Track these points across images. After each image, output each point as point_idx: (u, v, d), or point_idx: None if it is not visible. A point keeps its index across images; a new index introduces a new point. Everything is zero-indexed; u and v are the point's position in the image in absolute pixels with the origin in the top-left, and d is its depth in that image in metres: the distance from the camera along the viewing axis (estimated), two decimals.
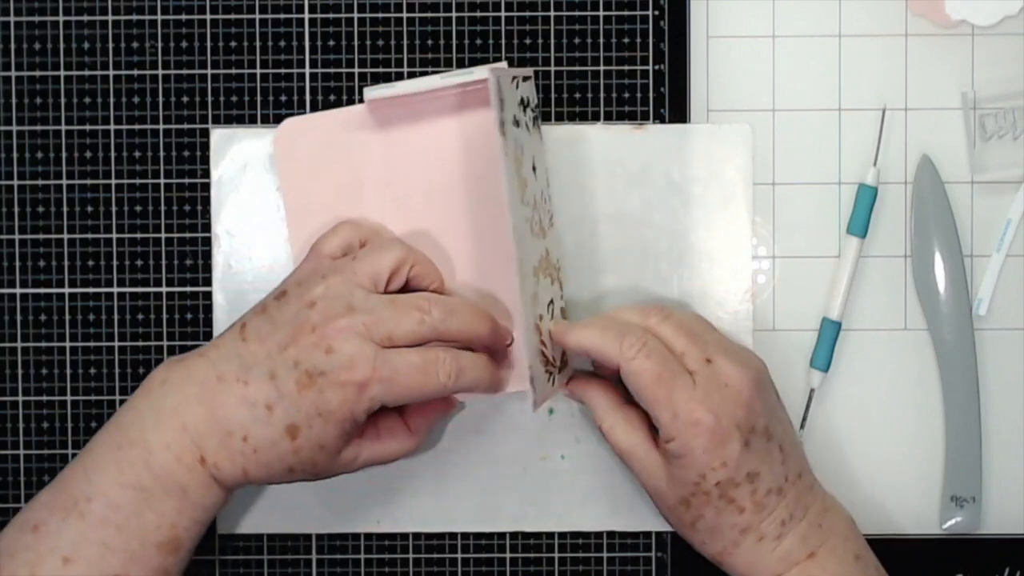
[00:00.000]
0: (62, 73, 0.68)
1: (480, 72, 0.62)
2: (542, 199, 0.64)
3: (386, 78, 0.68)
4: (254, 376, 0.57)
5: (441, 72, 0.66)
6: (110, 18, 0.68)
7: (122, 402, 0.67)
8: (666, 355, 0.58)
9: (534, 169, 0.63)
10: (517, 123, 0.61)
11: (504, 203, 0.58)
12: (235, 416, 0.57)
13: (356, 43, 0.68)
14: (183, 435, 0.58)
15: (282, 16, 0.68)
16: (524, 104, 0.62)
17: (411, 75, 0.68)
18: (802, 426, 0.68)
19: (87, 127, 0.68)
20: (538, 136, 0.65)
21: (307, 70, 0.68)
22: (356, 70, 0.68)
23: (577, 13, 0.68)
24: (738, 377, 0.58)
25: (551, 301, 0.63)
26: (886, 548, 0.65)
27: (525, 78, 0.63)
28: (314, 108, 0.68)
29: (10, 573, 0.57)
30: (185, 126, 0.68)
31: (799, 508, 0.59)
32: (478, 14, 0.68)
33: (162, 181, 0.68)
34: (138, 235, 0.68)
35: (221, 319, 0.67)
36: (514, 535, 0.68)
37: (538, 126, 0.65)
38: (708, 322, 0.63)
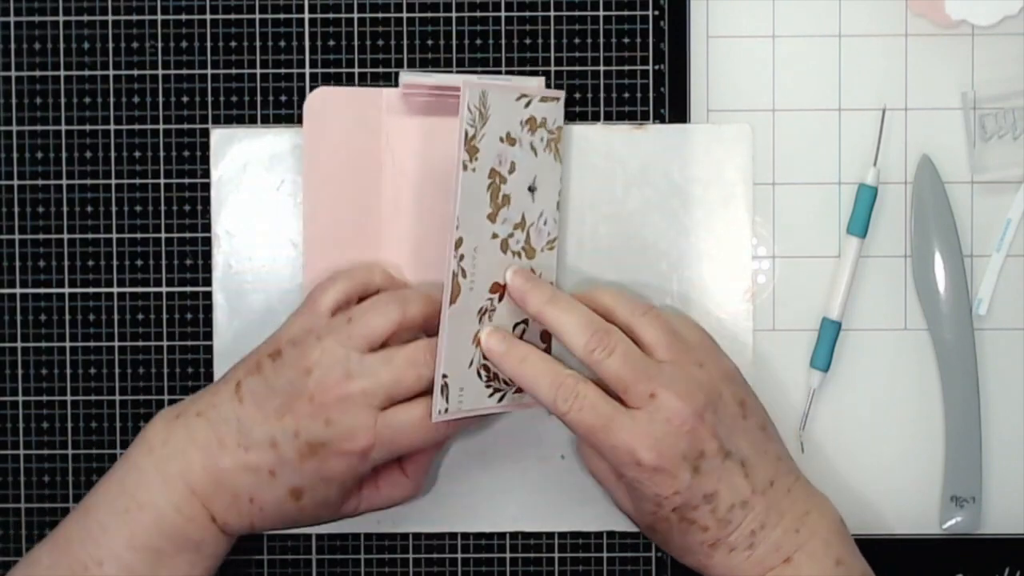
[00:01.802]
0: (62, 73, 0.68)
1: (509, 80, 0.62)
2: (540, 220, 0.64)
3: (386, 78, 0.68)
4: (254, 442, 0.59)
5: (482, 72, 0.67)
6: (110, 18, 0.68)
7: (123, 402, 0.68)
8: (598, 402, 0.58)
9: (532, 190, 0.63)
10: (512, 140, 0.61)
11: (451, 212, 0.58)
12: (239, 481, 0.59)
13: (356, 43, 0.68)
14: (193, 498, 0.59)
15: (282, 16, 0.68)
16: (534, 124, 0.62)
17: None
18: (802, 426, 0.68)
19: (87, 127, 0.68)
20: (551, 158, 0.64)
21: (307, 70, 0.68)
22: (356, 70, 0.68)
23: (577, 13, 0.68)
24: (680, 411, 0.57)
25: (522, 322, 0.63)
26: (886, 548, 0.65)
27: (545, 99, 0.63)
28: None
29: None
30: (185, 126, 0.68)
31: (772, 516, 0.59)
32: (478, 14, 0.68)
33: (162, 181, 0.68)
34: (138, 235, 0.68)
35: (221, 319, 0.67)
36: (514, 535, 0.68)
37: (554, 149, 0.65)
38: (692, 324, 0.63)
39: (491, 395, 0.62)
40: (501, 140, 0.60)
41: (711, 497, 0.58)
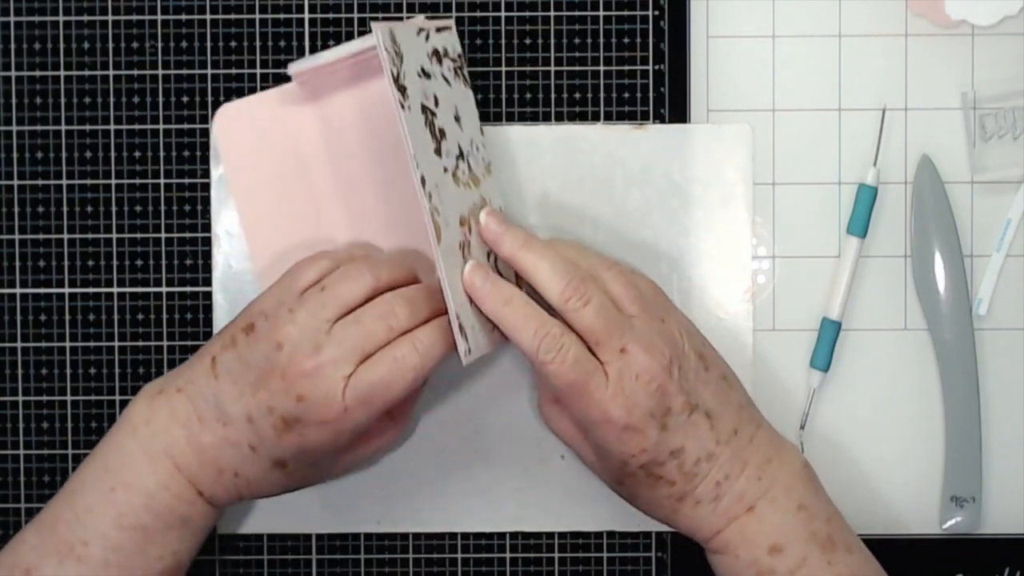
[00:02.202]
0: (62, 73, 0.68)
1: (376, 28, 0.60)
2: (472, 147, 0.63)
3: None
4: (232, 418, 0.58)
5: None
6: (110, 18, 0.68)
7: (123, 403, 0.68)
8: (580, 357, 0.57)
9: (457, 119, 0.62)
10: (427, 75, 0.60)
11: (407, 155, 0.57)
12: (222, 456, 0.58)
13: None
14: (179, 475, 0.58)
15: (282, 16, 0.68)
16: (439, 55, 0.62)
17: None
18: (802, 426, 0.68)
19: (87, 127, 0.68)
20: (461, 85, 0.63)
21: None
22: None
23: (577, 13, 0.68)
24: (649, 367, 0.57)
25: (491, 252, 0.62)
26: (886, 548, 0.65)
27: (439, 29, 0.62)
28: None
29: None
30: (185, 126, 0.68)
31: (735, 466, 0.59)
32: (478, 14, 0.68)
33: (162, 181, 0.68)
34: (138, 235, 0.68)
35: (221, 319, 0.67)
36: (514, 535, 0.68)
37: (462, 76, 0.64)
38: (647, 280, 0.62)
39: (492, 330, 0.60)
40: (419, 76, 0.59)
41: (678, 452, 0.58)
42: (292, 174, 0.66)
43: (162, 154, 0.68)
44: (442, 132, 0.60)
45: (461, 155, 0.62)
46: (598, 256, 0.61)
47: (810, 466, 0.61)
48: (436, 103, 0.60)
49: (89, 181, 0.68)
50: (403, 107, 0.57)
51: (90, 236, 0.68)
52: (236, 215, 0.67)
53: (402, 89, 0.58)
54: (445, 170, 0.60)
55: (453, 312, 0.57)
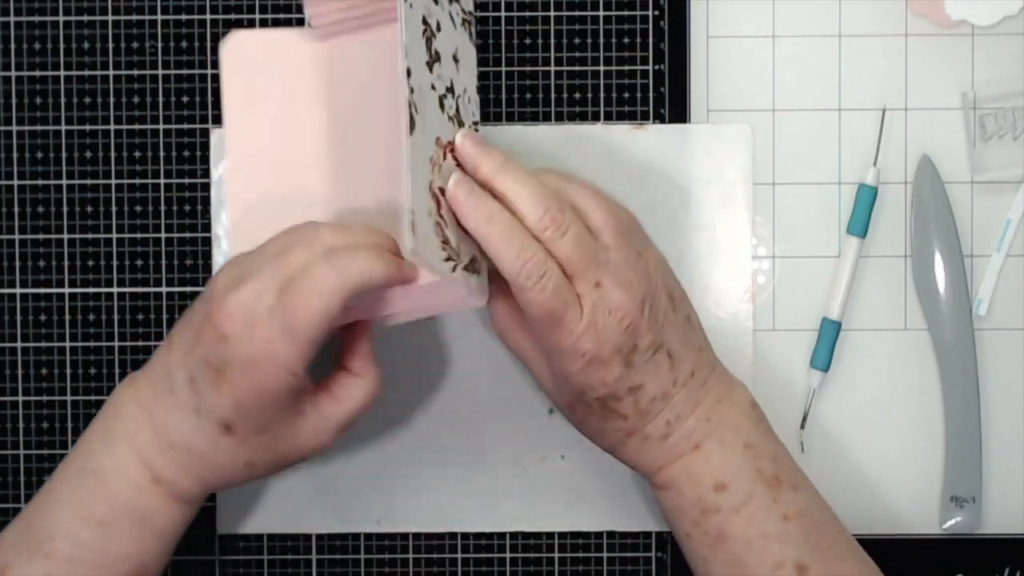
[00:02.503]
0: (62, 73, 0.68)
1: None
2: (465, 97, 0.61)
3: None
4: (178, 385, 0.56)
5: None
6: (110, 18, 0.68)
7: None
8: (560, 286, 0.55)
9: (456, 60, 0.60)
10: (436, 1, 0.58)
11: (398, 41, 0.55)
12: (173, 428, 0.56)
13: None
14: (131, 456, 0.56)
15: (282, 16, 0.68)
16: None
17: None
18: (802, 426, 0.68)
19: (87, 127, 0.68)
20: (466, 38, 0.61)
21: None
22: None
23: (577, 13, 0.68)
24: (623, 303, 0.56)
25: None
26: (886, 548, 0.65)
27: None
28: None
29: None
30: (185, 126, 0.68)
31: (687, 407, 0.59)
32: (478, 14, 0.68)
33: (162, 181, 0.68)
34: (138, 235, 0.68)
35: None
36: (514, 535, 0.68)
37: (469, 30, 0.62)
38: (625, 208, 0.60)
39: (445, 260, 0.56)
40: (435, 2, 0.58)
41: (636, 389, 0.57)
42: (286, 117, 0.65)
43: (162, 154, 0.68)
44: (437, 55, 0.58)
45: (452, 91, 0.59)
46: (582, 183, 0.59)
47: (758, 406, 0.61)
48: (439, 28, 0.58)
49: (89, 181, 0.68)
50: (407, 4, 0.55)
51: (90, 236, 0.68)
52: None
53: None
54: (433, 88, 0.57)
55: (408, 206, 0.53)
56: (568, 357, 0.56)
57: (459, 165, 0.58)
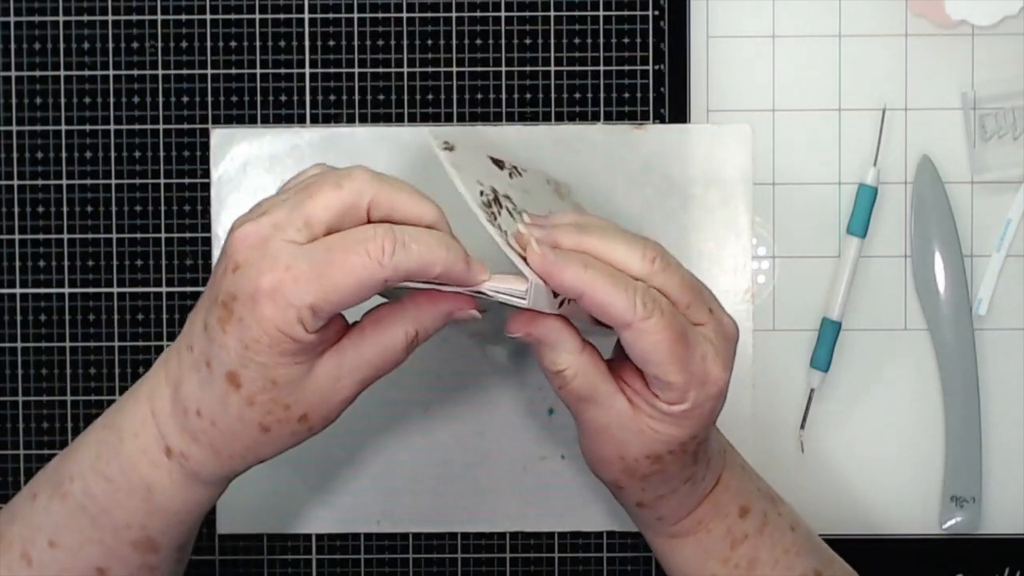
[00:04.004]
0: (62, 73, 0.68)
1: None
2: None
3: (386, 78, 0.68)
4: (195, 336, 0.50)
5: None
6: (110, 18, 0.68)
7: None
8: (672, 309, 0.51)
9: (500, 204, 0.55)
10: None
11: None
12: (188, 387, 0.50)
13: (356, 43, 0.68)
14: (150, 422, 0.52)
15: (282, 16, 0.68)
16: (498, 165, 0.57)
17: (411, 75, 0.68)
18: (802, 426, 0.68)
19: (87, 127, 0.68)
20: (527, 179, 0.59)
21: (307, 70, 0.68)
22: (356, 70, 0.68)
23: (577, 13, 0.68)
24: (733, 326, 0.54)
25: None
26: (886, 548, 0.65)
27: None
28: (314, 108, 0.68)
29: (8, 543, 0.54)
30: (185, 126, 0.68)
31: (713, 440, 0.56)
32: (478, 14, 0.68)
33: (162, 181, 0.68)
34: (138, 235, 0.68)
35: None
36: (514, 535, 0.68)
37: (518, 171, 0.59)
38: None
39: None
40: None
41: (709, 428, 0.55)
42: None
43: (162, 154, 0.68)
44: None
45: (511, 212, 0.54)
46: (640, 249, 0.53)
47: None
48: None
49: (89, 181, 0.68)
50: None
51: (90, 236, 0.68)
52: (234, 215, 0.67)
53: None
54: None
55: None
56: (703, 390, 0.52)
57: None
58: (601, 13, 0.68)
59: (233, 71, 0.68)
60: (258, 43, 0.68)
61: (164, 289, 0.68)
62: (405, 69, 0.68)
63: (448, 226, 0.51)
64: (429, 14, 0.68)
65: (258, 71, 0.68)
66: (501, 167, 0.57)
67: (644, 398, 0.53)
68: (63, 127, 0.68)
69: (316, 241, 0.48)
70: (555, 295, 0.51)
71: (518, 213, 0.54)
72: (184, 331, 0.52)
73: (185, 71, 0.68)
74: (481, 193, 0.52)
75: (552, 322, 0.52)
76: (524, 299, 0.50)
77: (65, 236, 0.68)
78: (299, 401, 0.50)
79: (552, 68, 0.68)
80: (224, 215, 0.67)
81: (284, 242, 0.47)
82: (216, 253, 0.67)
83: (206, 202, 0.68)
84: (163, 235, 0.68)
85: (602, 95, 0.68)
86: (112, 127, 0.68)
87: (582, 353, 0.53)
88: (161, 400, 0.51)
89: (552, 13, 0.68)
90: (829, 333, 0.67)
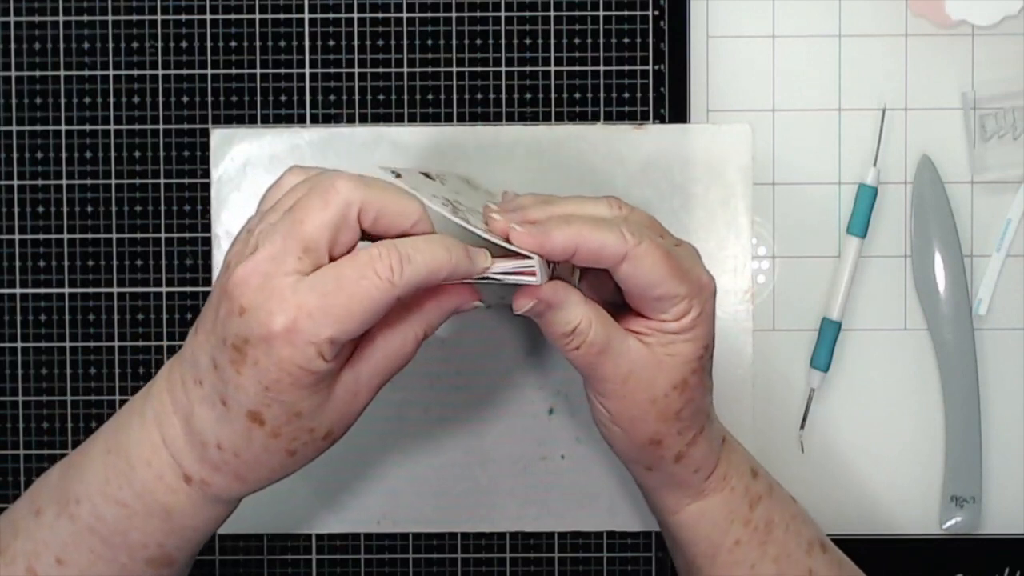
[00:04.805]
0: (62, 73, 0.68)
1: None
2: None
3: (386, 78, 0.68)
4: (203, 371, 0.49)
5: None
6: (110, 18, 0.68)
7: (122, 402, 0.68)
8: (658, 238, 0.54)
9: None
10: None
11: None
12: (204, 422, 0.50)
13: (356, 43, 0.68)
14: (163, 451, 0.51)
15: (282, 16, 0.68)
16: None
17: (411, 75, 0.68)
18: (802, 426, 0.68)
19: (87, 127, 0.68)
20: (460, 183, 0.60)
21: (307, 70, 0.68)
22: (356, 70, 0.68)
23: (577, 13, 0.68)
24: (694, 246, 0.57)
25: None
26: (886, 548, 0.65)
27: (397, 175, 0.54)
28: (314, 108, 0.68)
29: (11, 557, 0.53)
30: (185, 126, 0.68)
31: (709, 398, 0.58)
32: (478, 14, 0.68)
33: (162, 181, 0.68)
34: (138, 235, 0.68)
35: None
36: (514, 535, 0.68)
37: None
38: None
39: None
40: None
41: (710, 345, 0.56)
42: None
43: (162, 154, 0.68)
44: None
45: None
46: (605, 203, 0.56)
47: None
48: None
49: (89, 181, 0.68)
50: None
51: (90, 236, 0.68)
52: (235, 217, 0.67)
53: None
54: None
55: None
56: (700, 295, 0.54)
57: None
58: (601, 13, 0.68)
59: (233, 71, 0.68)
60: (258, 43, 0.68)
61: (164, 289, 0.68)
62: (405, 69, 0.68)
63: (428, 217, 0.51)
64: (429, 14, 0.68)
65: (258, 71, 0.68)
66: (431, 178, 0.58)
67: (652, 329, 0.54)
68: (63, 127, 0.68)
69: (321, 270, 0.48)
70: (548, 265, 0.53)
71: (476, 212, 0.55)
72: (187, 358, 0.51)
73: (185, 71, 0.68)
74: (444, 204, 0.53)
75: (553, 283, 0.53)
76: (534, 272, 0.52)
77: (65, 236, 0.68)
78: (323, 423, 0.50)
79: (552, 68, 0.68)
80: (224, 215, 0.68)
81: (286, 276, 0.47)
82: (216, 253, 0.67)
83: (206, 202, 0.68)
84: (163, 235, 0.68)
85: (602, 95, 0.68)
86: (112, 127, 0.68)
87: (587, 303, 0.54)
88: (171, 429, 0.51)
89: (552, 13, 0.68)
90: (829, 333, 0.67)
